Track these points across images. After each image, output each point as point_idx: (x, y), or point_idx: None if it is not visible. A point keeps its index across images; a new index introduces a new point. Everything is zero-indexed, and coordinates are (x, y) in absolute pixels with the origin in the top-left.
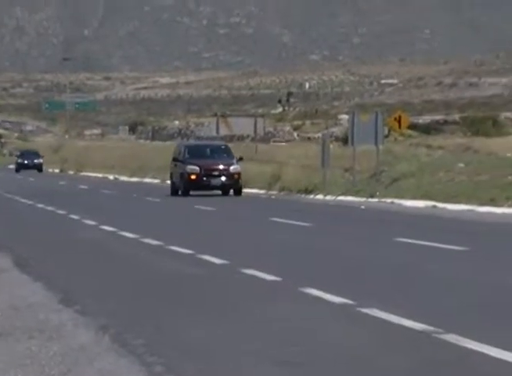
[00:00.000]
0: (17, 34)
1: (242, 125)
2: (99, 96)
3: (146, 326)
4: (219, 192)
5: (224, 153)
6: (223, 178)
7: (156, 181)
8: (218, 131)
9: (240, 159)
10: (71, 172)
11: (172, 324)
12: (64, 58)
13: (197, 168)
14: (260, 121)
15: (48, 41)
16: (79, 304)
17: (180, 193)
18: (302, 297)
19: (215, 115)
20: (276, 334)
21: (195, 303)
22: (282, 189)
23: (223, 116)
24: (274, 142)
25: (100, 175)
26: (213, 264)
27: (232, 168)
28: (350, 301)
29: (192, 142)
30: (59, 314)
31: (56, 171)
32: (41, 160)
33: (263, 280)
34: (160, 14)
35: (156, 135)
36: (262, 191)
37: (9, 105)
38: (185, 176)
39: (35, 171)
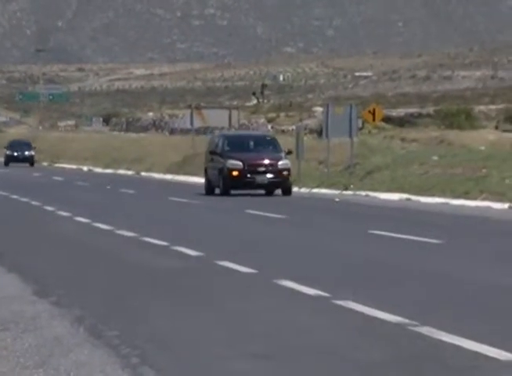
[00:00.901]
0: None
1: (216, 117)
2: (73, 87)
3: (120, 318)
4: (262, 191)
5: (270, 145)
6: (270, 176)
7: (130, 172)
8: (192, 123)
9: (289, 152)
10: (45, 164)
11: (147, 316)
12: (37, 49)
13: (240, 163)
14: (234, 113)
15: (21, 32)
16: (54, 295)
17: (219, 191)
18: (277, 289)
19: (189, 107)
20: (251, 326)
21: (169, 295)
22: None
23: (197, 108)
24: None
25: (74, 167)
26: (188, 256)
27: (280, 163)
28: (325, 294)
29: (232, 132)
30: (33, 306)
31: None
32: (32, 153)
33: (238, 272)
34: (133, 5)
35: (130, 126)
36: None
37: None
38: (225, 172)
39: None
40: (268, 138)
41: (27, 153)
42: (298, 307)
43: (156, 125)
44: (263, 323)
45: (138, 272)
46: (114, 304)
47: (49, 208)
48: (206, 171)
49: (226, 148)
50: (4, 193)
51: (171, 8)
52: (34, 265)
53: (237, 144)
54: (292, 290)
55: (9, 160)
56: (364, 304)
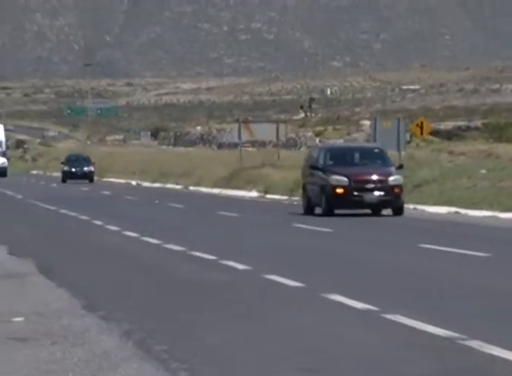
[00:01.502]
0: (38, 41)
1: (264, 131)
2: (121, 102)
3: (169, 331)
4: (368, 211)
5: (378, 158)
6: (379, 193)
7: (178, 187)
8: (240, 137)
9: (400, 167)
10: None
11: (195, 330)
12: (85, 64)
13: (345, 180)
14: (282, 126)
15: (69, 47)
16: (103, 309)
17: (321, 211)
18: (325, 303)
19: (237, 121)
20: (299, 341)
21: (218, 309)
22: None
23: (245, 122)
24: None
25: (123, 181)
26: (236, 270)
27: (391, 179)
28: (373, 308)
29: (335, 144)
30: (82, 320)
31: None
32: (92, 168)
33: (286, 285)
34: (180, 19)
35: (178, 140)
36: (285, 197)
37: (30, 111)
38: (328, 190)
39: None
40: (377, 150)
41: (86, 168)
42: (347, 321)
43: (204, 139)
44: (311, 337)
45: (187, 286)
46: (163, 318)
47: (98, 223)
48: (304, 187)
49: (329, 162)
50: (52, 208)
51: (217, 22)
52: (83, 279)
53: (341, 158)
54: (340, 304)
55: (67, 176)
56: (413, 318)
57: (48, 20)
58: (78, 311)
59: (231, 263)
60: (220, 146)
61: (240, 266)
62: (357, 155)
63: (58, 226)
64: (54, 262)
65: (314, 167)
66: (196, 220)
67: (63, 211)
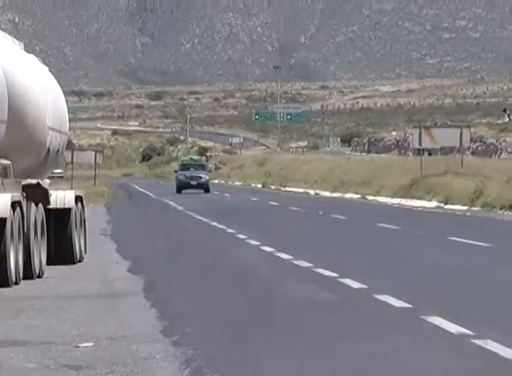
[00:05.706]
0: (230, 42)
1: (446, 136)
2: (315, 106)
3: (231, 359)
4: None
5: None
6: None
7: (356, 196)
8: (420, 143)
9: None
10: (273, 187)
11: (260, 358)
12: (275, 66)
13: None
14: (466, 131)
15: (262, 49)
16: (178, 334)
17: None
18: (421, 326)
19: (418, 126)
20: (379, 369)
21: (300, 333)
22: (484, 206)
23: (426, 127)
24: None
25: (301, 190)
26: (349, 288)
27: None
28: (467, 331)
29: None
30: (152, 345)
31: (259, 186)
32: (206, 177)
33: (391, 306)
34: (380, 18)
35: (372, 147)
36: (465, 208)
37: (220, 116)
38: None
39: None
40: None
41: (201, 175)
42: (442, 346)
43: (400, 146)
44: (394, 366)
45: (287, 307)
46: (232, 343)
47: (241, 236)
48: None
49: None
50: (205, 220)
51: (419, 20)
52: (182, 299)
53: None
54: (437, 327)
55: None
56: None
57: (240, 20)
58: (154, 335)
59: (348, 281)
60: (414, 152)
61: (356, 285)
62: None
63: (196, 240)
64: (165, 279)
65: None
66: (348, 233)
67: (213, 223)
